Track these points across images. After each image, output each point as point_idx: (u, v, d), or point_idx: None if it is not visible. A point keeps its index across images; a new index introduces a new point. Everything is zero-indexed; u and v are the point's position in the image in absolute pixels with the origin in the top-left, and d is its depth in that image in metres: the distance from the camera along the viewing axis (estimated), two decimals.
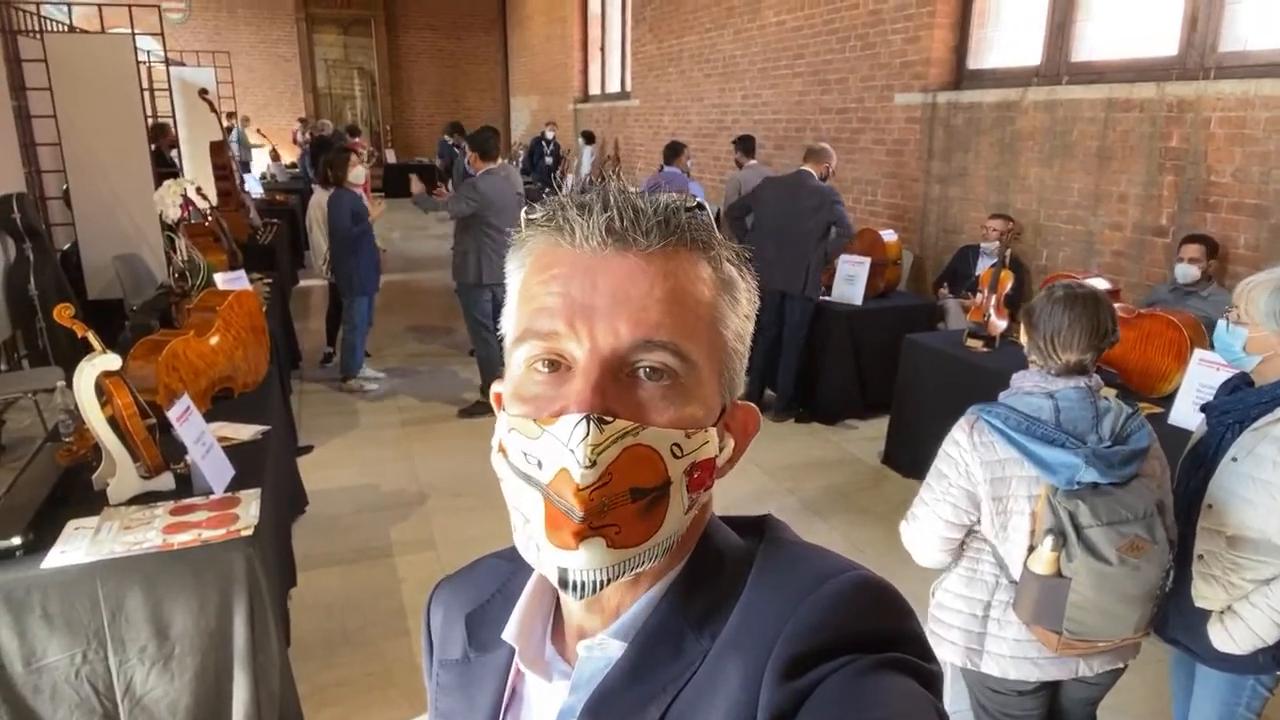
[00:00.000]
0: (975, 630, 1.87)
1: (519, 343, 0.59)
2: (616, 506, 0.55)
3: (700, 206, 0.61)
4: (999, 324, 4.25)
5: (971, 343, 4.24)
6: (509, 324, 0.61)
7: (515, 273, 0.62)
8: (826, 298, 5.37)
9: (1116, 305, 3.58)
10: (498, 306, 5.16)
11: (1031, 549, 1.76)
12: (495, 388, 0.64)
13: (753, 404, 0.66)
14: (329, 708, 2.64)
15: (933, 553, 1.91)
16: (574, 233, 0.57)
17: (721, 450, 0.61)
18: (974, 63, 5.72)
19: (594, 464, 0.53)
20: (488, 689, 0.68)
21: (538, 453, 0.56)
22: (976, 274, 4.86)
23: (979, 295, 4.36)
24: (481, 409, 5.14)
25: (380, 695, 2.73)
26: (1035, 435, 1.74)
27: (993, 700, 1.96)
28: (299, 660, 2.69)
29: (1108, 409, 1.80)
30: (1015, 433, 1.76)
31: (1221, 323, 1.96)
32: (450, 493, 4.07)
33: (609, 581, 0.57)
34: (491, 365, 5.17)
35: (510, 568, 0.72)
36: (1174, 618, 1.99)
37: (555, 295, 0.57)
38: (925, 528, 1.89)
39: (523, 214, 0.62)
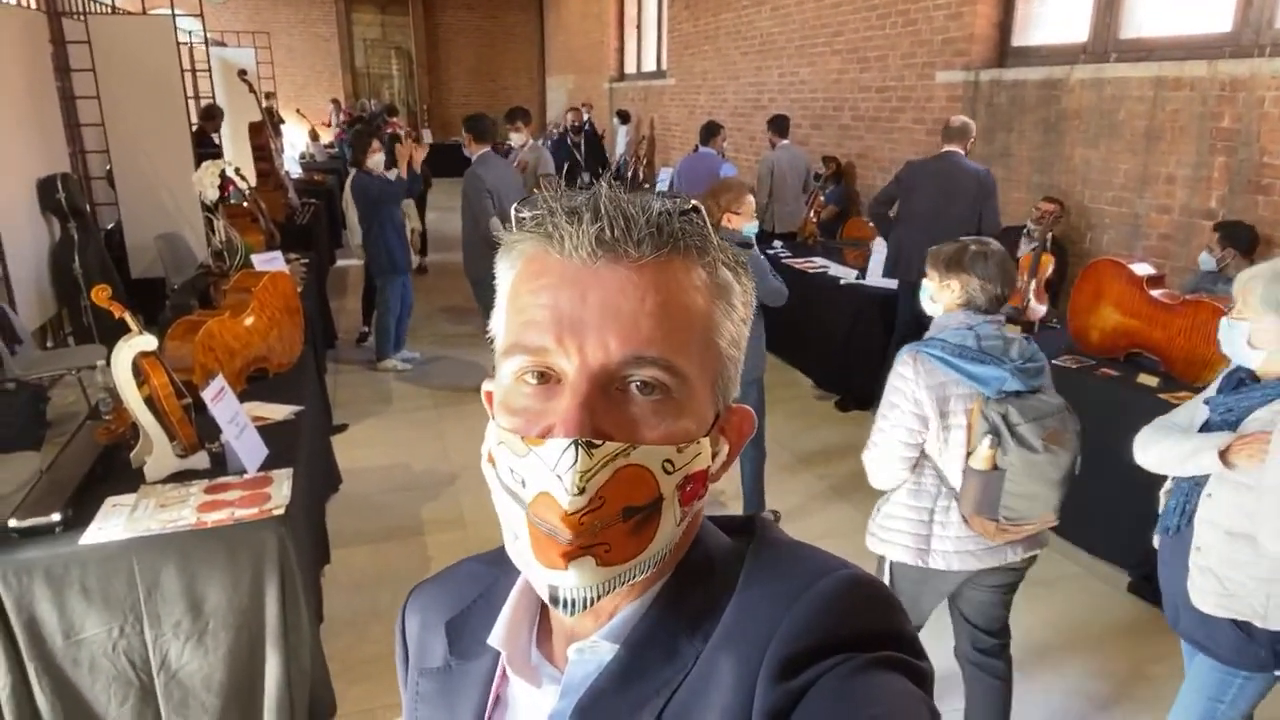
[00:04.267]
0: (923, 533, 2.18)
1: (508, 355, 0.57)
2: (608, 527, 0.54)
3: (695, 210, 0.58)
4: (1038, 309, 4.16)
5: (1009, 328, 4.15)
6: (498, 330, 0.60)
7: (505, 274, 0.60)
8: (862, 280, 5.30)
9: (1159, 291, 3.52)
10: None
11: (969, 453, 2.08)
12: (486, 386, 0.62)
13: (747, 406, 0.64)
14: (359, 684, 2.68)
15: (895, 471, 2.18)
16: (563, 242, 0.55)
17: (715, 456, 0.61)
18: (1019, 40, 5.57)
19: (583, 490, 0.53)
20: (471, 697, 0.67)
21: (523, 472, 0.55)
22: (1017, 257, 4.76)
23: (1018, 280, 4.27)
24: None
25: None
26: (966, 358, 2.08)
27: (915, 585, 2.23)
28: (331, 637, 2.74)
29: (1014, 339, 2.16)
30: (950, 357, 2.09)
31: (1224, 321, 1.94)
32: (480, 473, 4.05)
33: (600, 597, 0.56)
34: None
35: (493, 573, 0.71)
36: (1185, 615, 1.98)
37: (544, 308, 0.55)
38: (886, 451, 2.17)
39: (512, 212, 0.59)
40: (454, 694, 0.68)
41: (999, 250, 2.19)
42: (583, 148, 8.98)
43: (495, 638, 0.64)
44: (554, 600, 0.56)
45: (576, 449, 0.52)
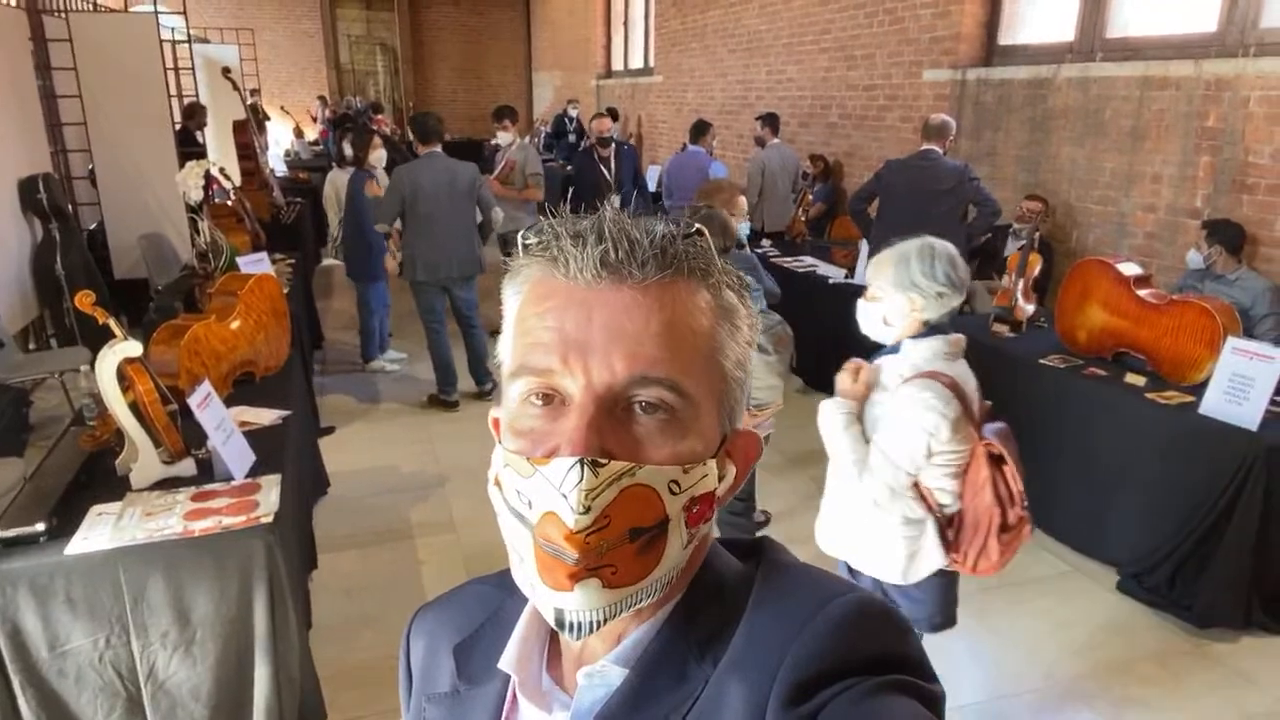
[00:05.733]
0: None
1: (514, 378, 0.58)
2: (614, 548, 0.54)
3: (699, 232, 0.59)
4: (1026, 308, 4.18)
5: (998, 328, 4.17)
6: (505, 354, 0.60)
7: (512, 299, 0.60)
8: (850, 279, 5.31)
9: (1146, 291, 3.54)
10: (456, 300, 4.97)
11: None
12: (493, 413, 0.62)
13: (754, 430, 0.64)
14: (349, 691, 2.66)
15: None
16: (568, 264, 0.56)
17: (722, 479, 0.61)
18: (1005, 39, 5.59)
19: (588, 509, 0.52)
20: None
21: (529, 493, 0.55)
22: (1005, 256, 4.78)
23: (1006, 279, 4.28)
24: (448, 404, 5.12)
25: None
26: None
27: None
28: (319, 643, 2.72)
29: None
30: None
31: (860, 302, 2.15)
32: (469, 475, 4.06)
33: (606, 621, 0.56)
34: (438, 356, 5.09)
35: (500, 595, 0.71)
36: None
37: (550, 330, 0.56)
38: None
39: (519, 238, 0.60)
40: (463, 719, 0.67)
41: (718, 214, 2.96)
42: (613, 164, 6.67)
43: (506, 662, 0.64)
44: (559, 624, 0.56)
45: (582, 468, 0.52)
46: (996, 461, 1.98)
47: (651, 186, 8.19)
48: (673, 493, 0.55)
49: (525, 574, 0.57)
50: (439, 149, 4.88)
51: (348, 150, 5.88)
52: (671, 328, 0.56)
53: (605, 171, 6.57)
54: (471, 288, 5.05)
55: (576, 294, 0.56)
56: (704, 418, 0.58)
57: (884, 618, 0.57)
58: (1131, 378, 3.47)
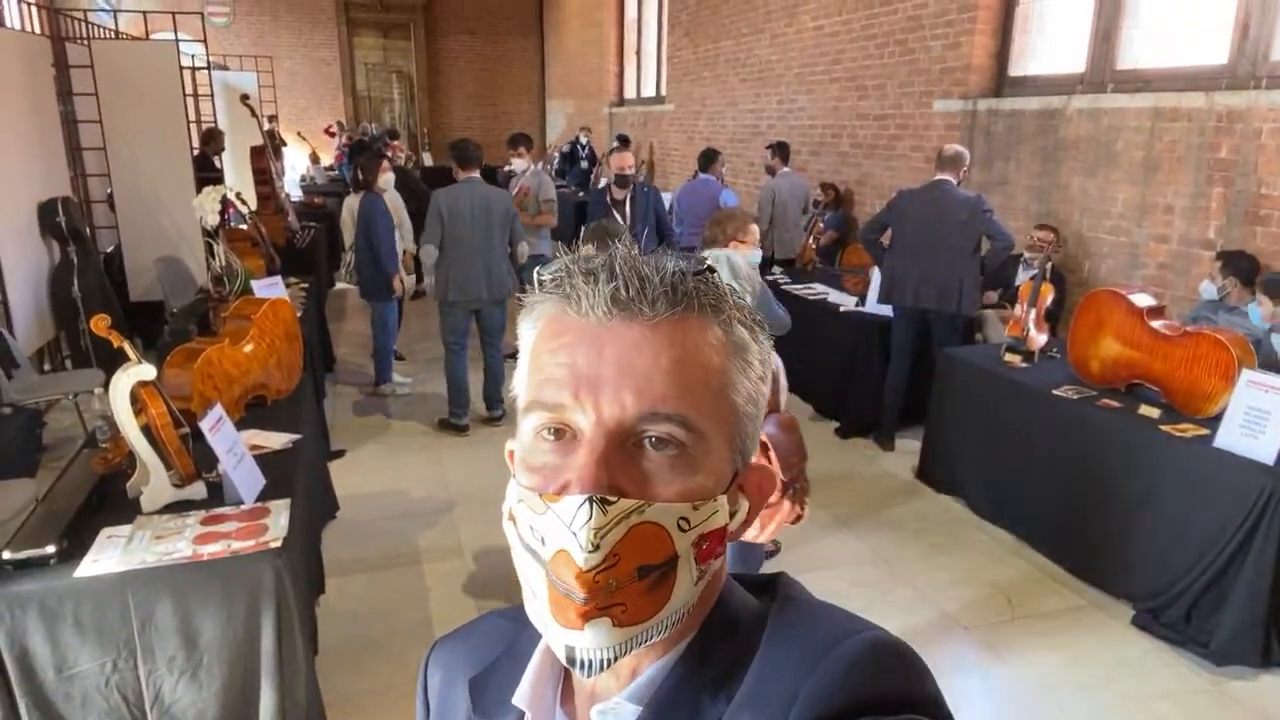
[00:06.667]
0: None
1: (527, 412, 0.58)
2: (624, 586, 0.54)
3: (711, 269, 0.60)
4: (1039, 338, 4.16)
5: (1010, 357, 4.15)
6: (520, 389, 0.61)
7: (527, 335, 0.61)
8: (861, 307, 5.31)
9: (1160, 323, 3.52)
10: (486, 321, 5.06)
11: None
12: (509, 445, 0.63)
13: (767, 465, 0.64)
14: (354, 717, 2.64)
15: None
16: (580, 302, 0.57)
17: (735, 515, 0.61)
18: (1016, 69, 5.62)
19: (597, 548, 0.53)
20: None
21: (542, 529, 0.55)
22: (1016, 285, 4.77)
23: (1018, 308, 4.28)
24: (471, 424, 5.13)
25: (406, 705, 2.72)
26: None
27: None
28: (325, 668, 2.70)
29: None
30: None
31: None
32: (479, 500, 4.07)
33: (617, 659, 0.56)
34: (451, 377, 5.09)
35: (516, 628, 0.71)
36: None
37: (562, 366, 0.56)
38: None
39: (535, 275, 0.61)
40: None
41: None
42: (628, 209, 5.61)
43: (520, 697, 0.64)
44: (571, 661, 0.56)
45: (591, 505, 0.53)
46: (761, 447, 2.21)
47: None
48: (682, 529, 0.55)
49: (538, 610, 0.57)
50: (477, 174, 4.94)
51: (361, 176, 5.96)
52: (682, 364, 0.56)
53: (619, 217, 5.55)
54: (502, 309, 5.09)
55: (588, 331, 0.57)
56: (714, 453, 0.58)
57: (899, 657, 0.57)
58: (1145, 409, 3.45)
